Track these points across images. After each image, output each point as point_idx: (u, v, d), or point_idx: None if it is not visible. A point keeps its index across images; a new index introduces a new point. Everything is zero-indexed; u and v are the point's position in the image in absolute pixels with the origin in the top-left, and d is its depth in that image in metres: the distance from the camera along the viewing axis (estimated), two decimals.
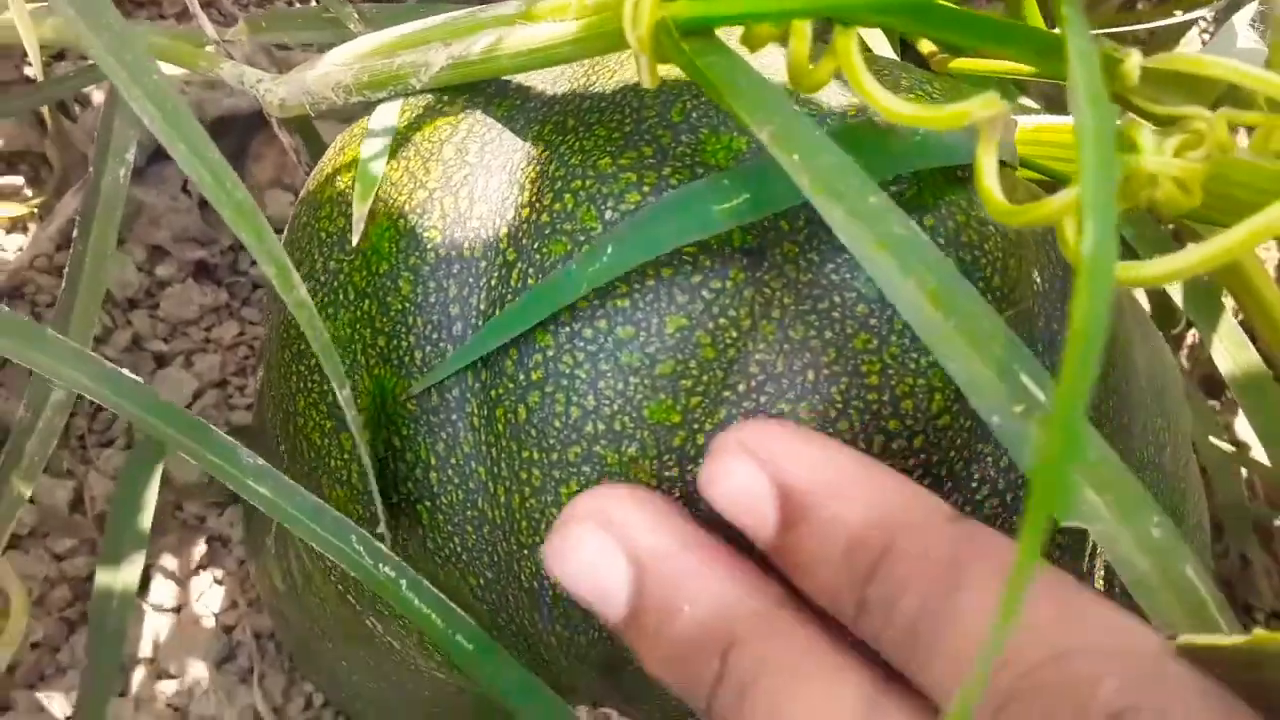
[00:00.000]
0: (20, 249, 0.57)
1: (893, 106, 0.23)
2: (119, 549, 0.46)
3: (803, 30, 0.25)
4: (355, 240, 0.33)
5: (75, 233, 0.43)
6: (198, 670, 0.53)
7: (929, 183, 0.31)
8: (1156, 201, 0.24)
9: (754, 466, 0.26)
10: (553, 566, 0.27)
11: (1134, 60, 0.24)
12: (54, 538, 0.55)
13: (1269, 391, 0.46)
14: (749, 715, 0.24)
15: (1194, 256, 0.22)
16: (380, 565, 0.30)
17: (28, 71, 0.60)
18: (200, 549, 0.56)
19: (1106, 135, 0.19)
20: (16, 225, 0.58)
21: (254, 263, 0.61)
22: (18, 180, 0.58)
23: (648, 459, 0.30)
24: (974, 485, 0.32)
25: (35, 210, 0.58)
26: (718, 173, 0.30)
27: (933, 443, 0.30)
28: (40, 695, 0.53)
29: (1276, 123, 0.24)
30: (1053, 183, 0.38)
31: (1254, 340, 0.49)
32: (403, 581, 0.31)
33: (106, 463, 0.57)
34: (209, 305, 0.60)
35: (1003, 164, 0.30)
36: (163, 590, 0.55)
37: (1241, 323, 0.51)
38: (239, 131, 0.61)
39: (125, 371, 0.32)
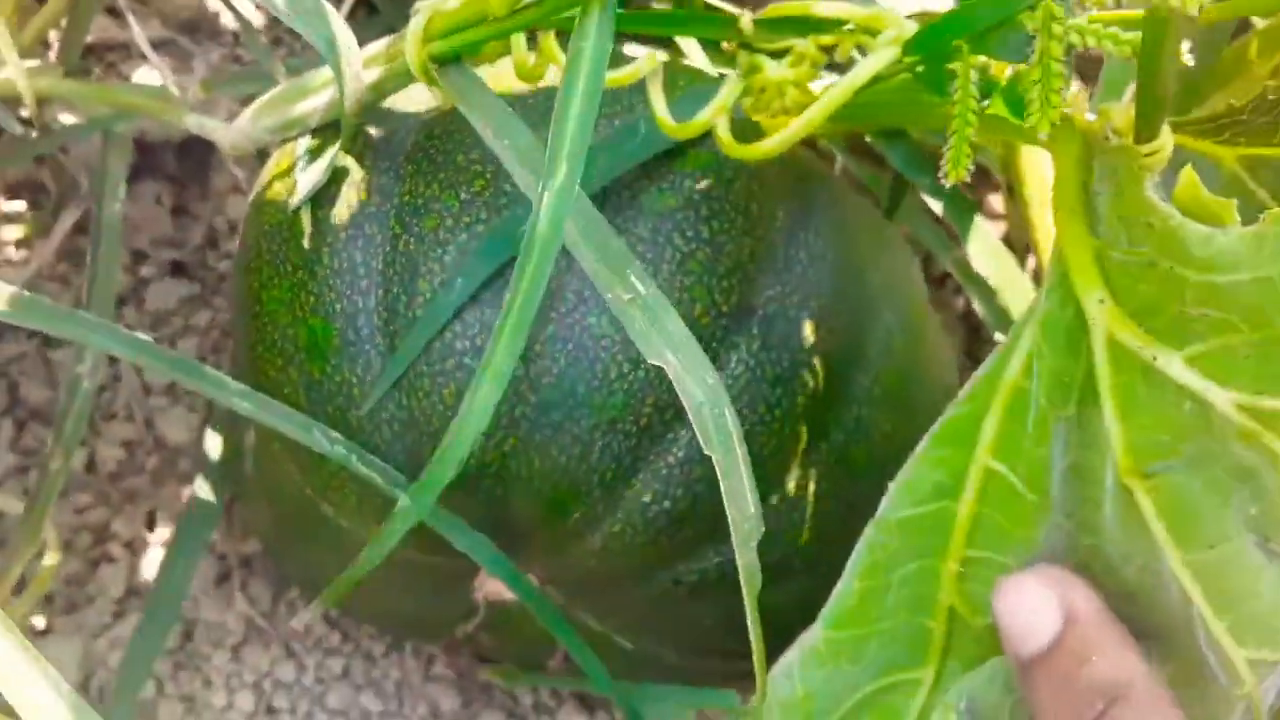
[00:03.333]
0: (27, 261, 0.70)
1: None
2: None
3: (518, 40, 0.38)
4: (306, 238, 0.46)
5: (89, 247, 0.56)
6: (200, 589, 0.67)
7: (685, 157, 0.45)
8: (789, 105, 0.38)
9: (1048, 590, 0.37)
10: (998, 597, 0.38)
11: (745, 18, 0.38)
12: (74, 494, 0.68)
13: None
14: None
15: (797, 124, 0.36)
16: (334, 446, 0.44)
17: (22, 113, 0.72)
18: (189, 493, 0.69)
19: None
20: (22, 243, 0.71)
21: (223, 257, 0.74)
22: (20, 205, 0.71)
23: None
24: None
25: (37, 229, 0.70)
26: None
27: None
28: (73, 618, 0.66)
29: (848, 39, 0.37)
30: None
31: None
32: (353, 456, 0.44)
33: (112, 432, 0.70)
34: (184, 297, 0.73)
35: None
36: (167, 531, 0.68)
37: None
38: (202, 149, 0.73)
39: (142, 335, 0.45)
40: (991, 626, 0.40)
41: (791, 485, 0.49)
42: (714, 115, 0.41)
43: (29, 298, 0.48)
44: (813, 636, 0.42)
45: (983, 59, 0.35)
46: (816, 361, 0.47)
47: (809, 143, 0.64)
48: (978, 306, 0.70)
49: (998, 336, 0.69)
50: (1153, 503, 0.35)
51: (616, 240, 0.39)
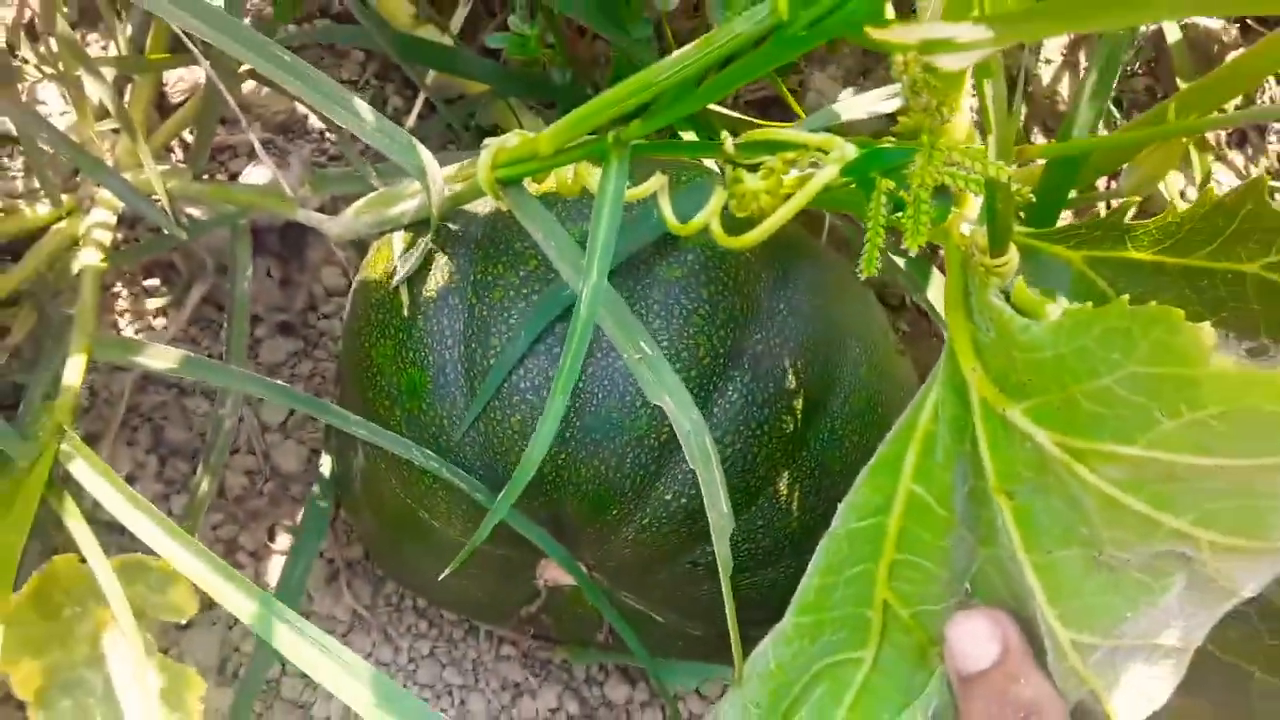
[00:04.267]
0: (165, 328, 0.86)
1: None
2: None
3: (563, 172, 0.53)
4: (405, 308, 0.61)
5: (223, 316, 0.72)
6: (314, 587, 0.82)
7: (686, 237, 0.60)
8: (763, 206, 0.52)
9: (991, 624, 0.47)
10: (951, 626, 0.48)
11: (728, 141, 0.52)
12: (209, 514, 0.84)
13: None
14: None
15: (768, 224, 0.50)
16: (429, 461, 0.59)
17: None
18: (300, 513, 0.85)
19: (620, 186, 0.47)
20: (160, 313, 0.87)
21: (320, 318, 0.89)
22: (156, 282, 0.87)
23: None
24: None
25: (171, 301, 0.86)
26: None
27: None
28: (210, 614, 0.82)
29: (804, 156, 0.52)
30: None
31: None
32: (444, 469, 0.59)
33: (236, 464, 0.86)
34: (291, 350, 0.88)
35: None
36: (285, 542, 0.84)
37: None
38: (299, 229, 0.90)
39: (278, 381, 0.61)
40: (916, 616, 0.51)
41: (781, 486, 0.63)
42: (708, 218, 0.55)
43: (192, 357, 0.64)
44: (783, 622, 0.53)
45: (890, 184, 0.49)
46: (797, 388, 0.62)
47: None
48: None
49: None
50: (1012, 516, 0.46)
51: (630, 315, 0.54)
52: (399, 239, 0.64)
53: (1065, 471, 0.43)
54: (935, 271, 0.78)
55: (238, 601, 0.52)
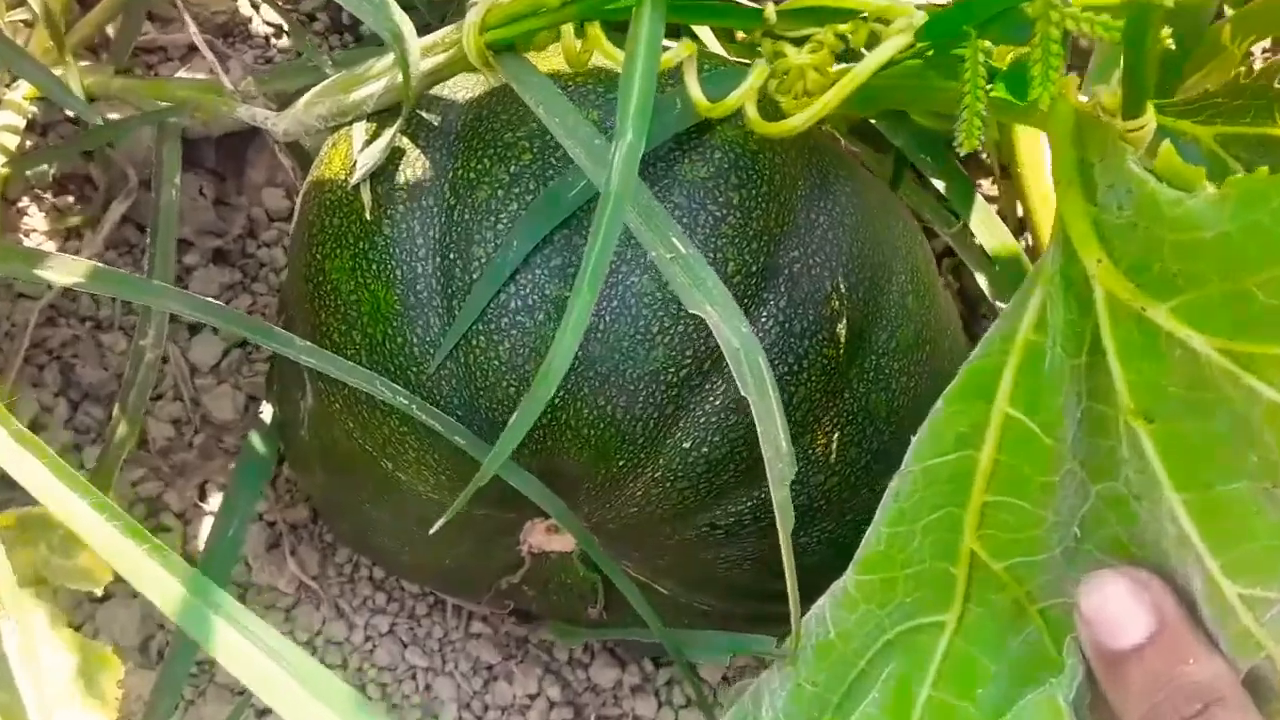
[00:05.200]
0: (78, 251, 0.73)
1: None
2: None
3: (568, 31, 0.42)
4: (367, 210, 0.50)
5: (149, 234, 0.60)
6: (252, 554, 0.71)
7: (714, 131, 0.49)
8: (810, 87, 0.42)
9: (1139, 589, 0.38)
10: (1086, 591, 0.39)
11: (770, 8, 0.42)
12: (128, 469, 0.72)
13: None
14: None
15: (821, 103, 0.40)
16: (397, 396, 0.48)
17: (67, 113, 0.76)
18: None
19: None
20: (73, 234, 0.74)
21: (260, 246, 0.78)
22: (70, 199, 0.75)
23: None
24: None
25: (87, 220, 0.74)
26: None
27: None
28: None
29: (862, 28, 0.41)
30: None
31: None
32: (413, 405, 0.48)
33: (161, 411, 0.74)
34: (226, 283, 0.76)
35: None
36: (217, 501, 0.72)
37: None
38: (238, 144, 0.77)
39: (209, 299, 0.49)
40: (1011, 570, 0.43)
41: (818, 433, 0.53)
42: (745, 96, 0.45)
43: (106, 269, 0.52)
44: (843, 581, 0.45)
45: (987, 44, 0.39)
46: (839, 316, 0.52)
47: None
48: (978, 277, 0.75)
49: (998, 305, 0.74)
50: (1155, 444, 0.38)
51: (658, 205, 0.43)
52: (360, 130, 0.53)
53: (1230, 384, 0.35)
54: (979, 199, 0.68)
55: (153, 576, 0.40)
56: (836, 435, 0.53)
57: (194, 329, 0.76)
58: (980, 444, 0.43)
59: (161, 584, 0.40)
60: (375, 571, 0.72)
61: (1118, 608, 0.38)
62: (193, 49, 0.80)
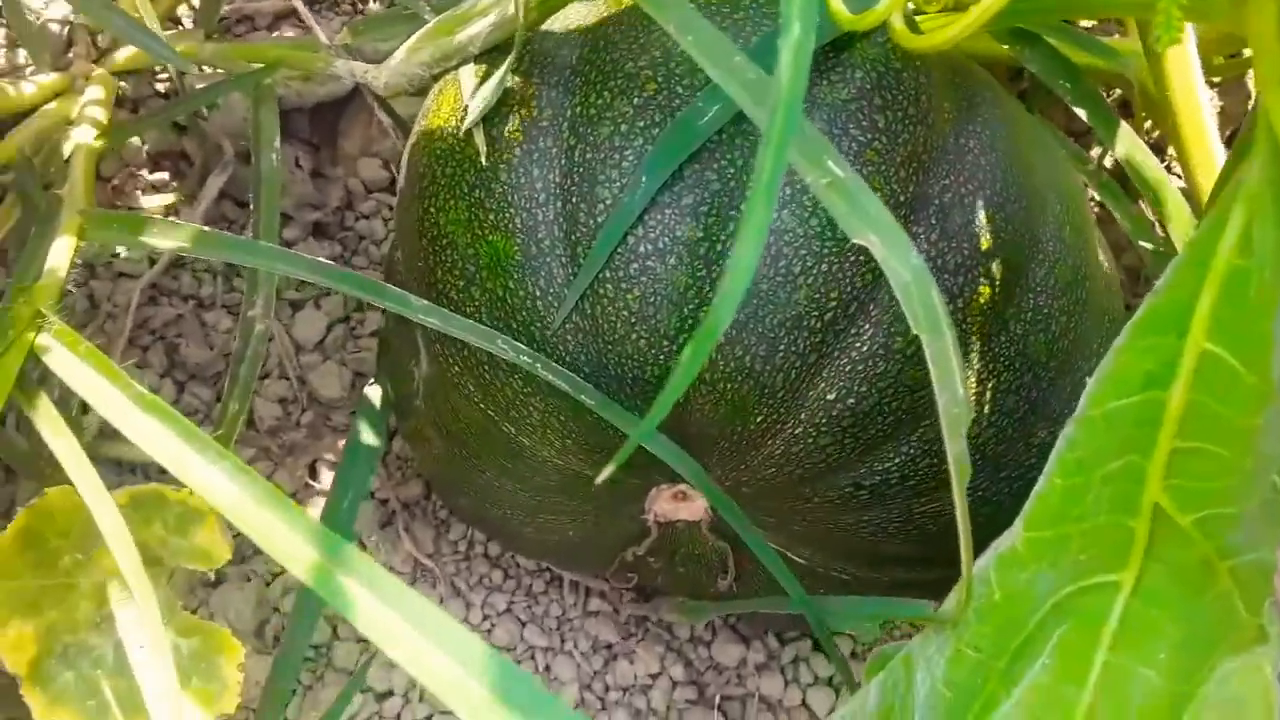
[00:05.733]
0: None
1: None
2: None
3: None
4: (482, 156, 0.47)
5: (251, 199, 0.57)
6: (365, 533, 0.68)
7: (854, 49, 0.45)
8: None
9: None
10: None
11: None
12: (238, 450, 0.70)
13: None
14: None
15: (960, 25, 0.35)
16: (520, 355, 0.45)
17: (158, 87, 0.75)
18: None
19: None
20: (169, 211, 0.73)
21: (359, 218, 0.75)
22: (165, 176, 0.73)
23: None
24: None
25: (183, 197, 0.72)
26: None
27: None
28: (242, 568, 0.68)
29: None
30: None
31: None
32: (536, 362, 0.45)
33: (267, 390, 0.72)
34: (327, 256, 0.74)
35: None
36: (329, 478, 0.70)
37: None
38: (331, 114, 0.75)
39: (321, 259, 0.47)
40: (1200, 524, 0.39)
41: (972, 379, 0.48)
42: (891, 6, 0.41)
43: (213, 232, 0.50)
44: (1010, 539, 0.41)
45: None
46: (994, 250, 0.47)
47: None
48: (1118, 217, 0.69)
49: (1143, 246, 0.68)
50: None
51: (810, 125, 0.39)
52: (468, 74, 0.50)
53: None
54: (1124, 127, 0.63)
55: (288, 543, 0.37)
56: (991, 382, 0.49)
57: (296, 305, 0.74)
58: (1170, 382, 0.38)
59: (296, 548, 0.36)
60: (490, 548, 0.69)
61: None
62: (280, 17, 0.78)
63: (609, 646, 0.69)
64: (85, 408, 0.61)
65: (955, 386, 0.38)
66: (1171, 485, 0.39)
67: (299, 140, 0.75)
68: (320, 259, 0.47)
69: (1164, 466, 0.39)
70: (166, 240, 0.49)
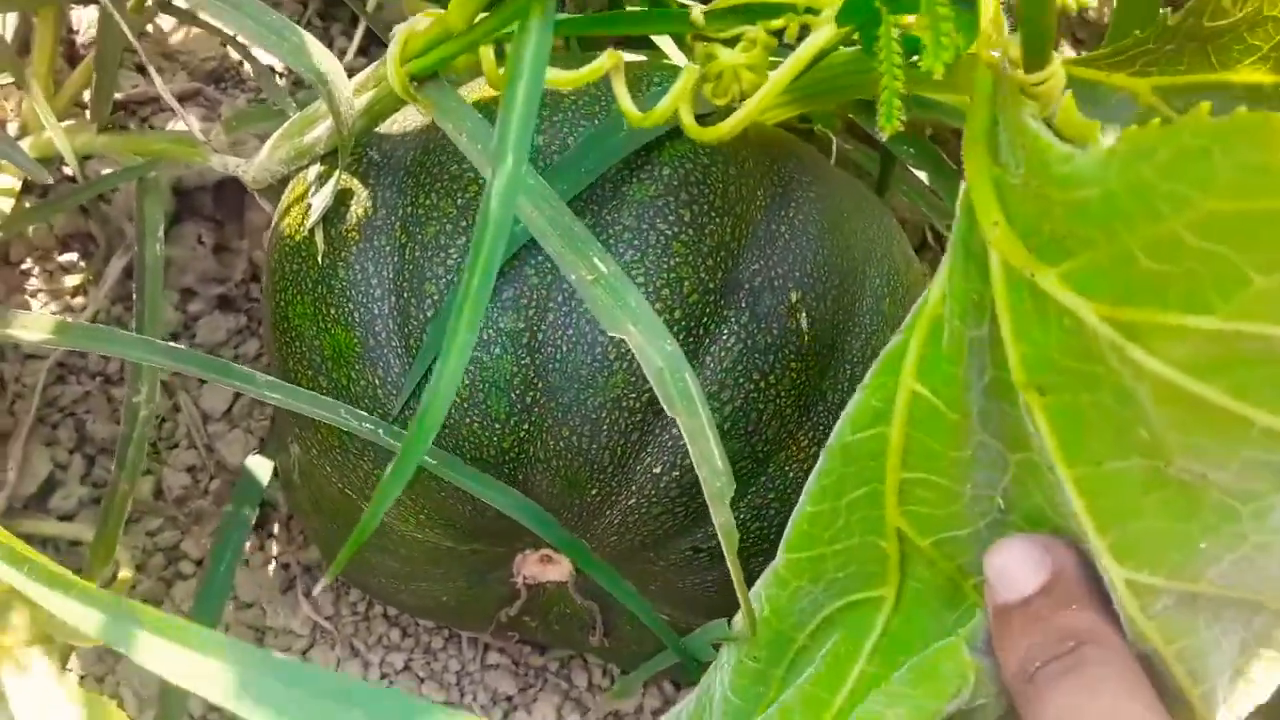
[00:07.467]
0: (84, 307, 0.75)
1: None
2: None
3: (486, 52, 0.41)
4: (321, 251, 0.50)
5: (134, 289, 0.60)
6: (266, 597, 0.71)
7: (663, 147, 0.48)
8: (746, 89, 0.41)
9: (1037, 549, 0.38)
10: (990, 555, 0.39)
11: (696, 10, 0.41)
12: (146, 519, 0.73)
13: None
14: (1068, 685, 0.35)
15: (737, 116, 0.38)
16: (363, 424, 0.47)
17: (66, 171, 0.78)
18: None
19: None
20: (78, 291, 0.76)
21: (263, 291, 0.78)
22: (74, 256, 0.77)
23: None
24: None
25: (90, 277, 0.76)
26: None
27: None
28: None
29: (794, 21, 0.40)
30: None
31: None
32: (379, 429, 0.48)
33: (176, 459, 0.75)
34: (233, 329, 0.77)
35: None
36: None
37: None
38: (236, 188, 0.78)
39: (192, 349, 0.50)
40: (938, 546, 0.42)
41: (794, 450, 0.51)
42: (675, 102, 0.43)
43: (72, 323, 0.53)
44: (775, 561, 0.45)
45: (909, 19, 0.38)
46: (806, 328, 0.50)
47: (805, 131, 0.67)
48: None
49: None
50: (1045, 418, 0.36)
51: (579, 225, 0.42)
52: (314, 174, 0.53)
53: (1116, 356, 0.32)
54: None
55: (73, 607, 0.38)
56: (814, 451, 0.51)
57: (201, 379, 0.77)
58: (890, 420, 0.41)
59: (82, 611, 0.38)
60: (389, 609, 0.72)
61: (1018, 567, 0.38)
62: (184, 98, 0.81)
63: (509, 698, 0.72)
64: None
65: (715, 461, 0.41)
66: (907, 511, 0.42)
67: (202, 217, 0.78)
68: (175, 345, 0.50)
69: (897, 495, 0.42)
70: (30, 333, 0.52)
